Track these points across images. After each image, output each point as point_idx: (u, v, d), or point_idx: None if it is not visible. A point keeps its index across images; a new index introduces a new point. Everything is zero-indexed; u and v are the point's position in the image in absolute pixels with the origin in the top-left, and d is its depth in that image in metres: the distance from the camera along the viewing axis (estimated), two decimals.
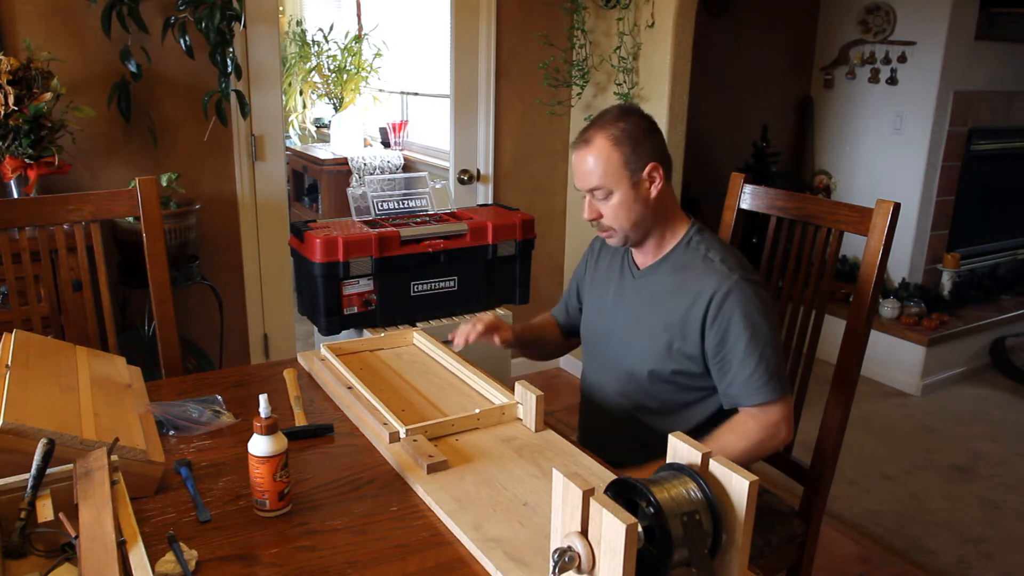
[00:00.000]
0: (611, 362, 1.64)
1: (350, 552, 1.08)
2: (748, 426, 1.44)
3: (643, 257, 1.60)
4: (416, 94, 5.04)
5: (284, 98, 4.80)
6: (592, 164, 1.48)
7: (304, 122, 5.51)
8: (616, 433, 1.65)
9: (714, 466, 0.91)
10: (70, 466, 1.08)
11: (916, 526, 2.61)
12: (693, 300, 1.48)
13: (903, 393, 3.67)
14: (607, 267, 1.69)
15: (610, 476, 1.25)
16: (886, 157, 4.00)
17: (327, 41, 5.16)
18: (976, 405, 3.58)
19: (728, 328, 1.44)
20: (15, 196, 2.17)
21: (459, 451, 1.33)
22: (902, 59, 3.85)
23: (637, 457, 1.46)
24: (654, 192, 1.49)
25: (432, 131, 4.80)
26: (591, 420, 1.74)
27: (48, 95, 2.14)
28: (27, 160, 2.14)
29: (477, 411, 1.41)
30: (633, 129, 1.48)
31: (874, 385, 3.71)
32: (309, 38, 5.18)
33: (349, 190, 2.38)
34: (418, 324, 2.28)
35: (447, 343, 1.72)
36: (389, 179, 2.41)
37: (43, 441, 1.06)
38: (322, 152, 4.94)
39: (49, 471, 1.06)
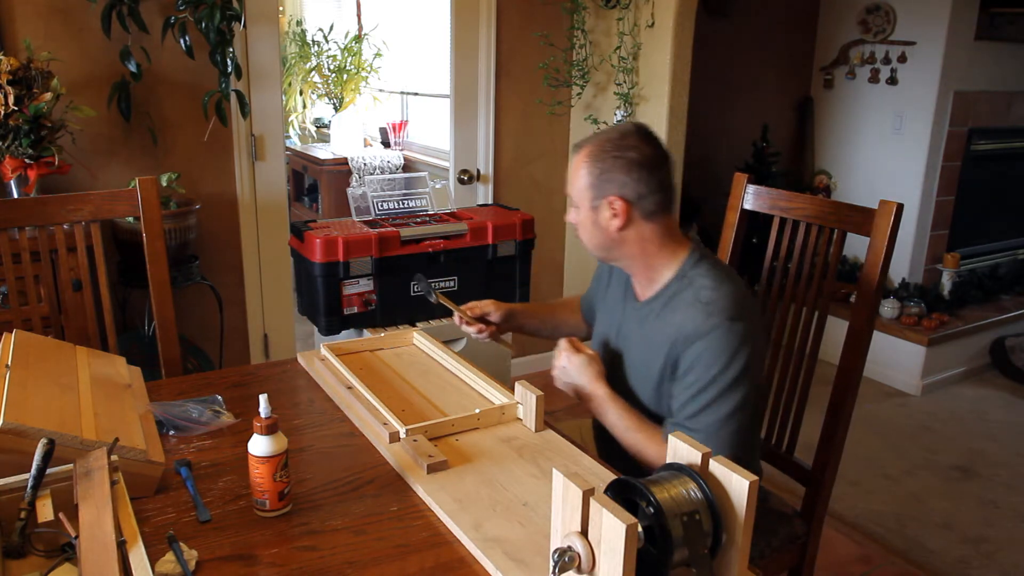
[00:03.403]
0: (618, 388, 1.53)
1: (350, 552, 1.08)
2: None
3: (640, 289, 1.51)
4: (416, 94, 5.04)
5: (284, 98, 4.80)
6: (571, 172, 1.44)
7: (304, 122, 5.51)
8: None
9: (714, 466, 0.91)
10: (70, 466, 1.08)
11: (916, 526, 2.61)
12: (673, 342, 1.39)
13: (903, 393, 3.66)
14: (615, 289, 1.62)
15: (610, 476, 1.25)
16: (886, 157, 4.00)
17: (327, 41, 5.16)
18: (976, 405, 3.58)
19: (694, 365, 1.35)
20: (15, 196, 2.17)
21: (459, 451, 1.33)
22: (902, 59, 3.85)
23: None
24: (614, 225, 1.39)
25: (432, 131, 4.80)
26: (603, 431, 1.70)
27: (48, 95, 2.14)
28: (27, 160, 2.14)
29: (477, 411, 1.41)
30: (618, 154, 1.38)
31: (874, 385, 3.71)
32: (309, 38, 5.18)
33: (349, 190, 2.38)
34: (418, 324, 2.28)
35: (448, 342, 1.72)
36: (389, 179, 2.41)
37: (43, 441, 1.06)
38: (322, 152, 4.94)
39: (49, 471, 1.06)
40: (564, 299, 1.94)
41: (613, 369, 1.55)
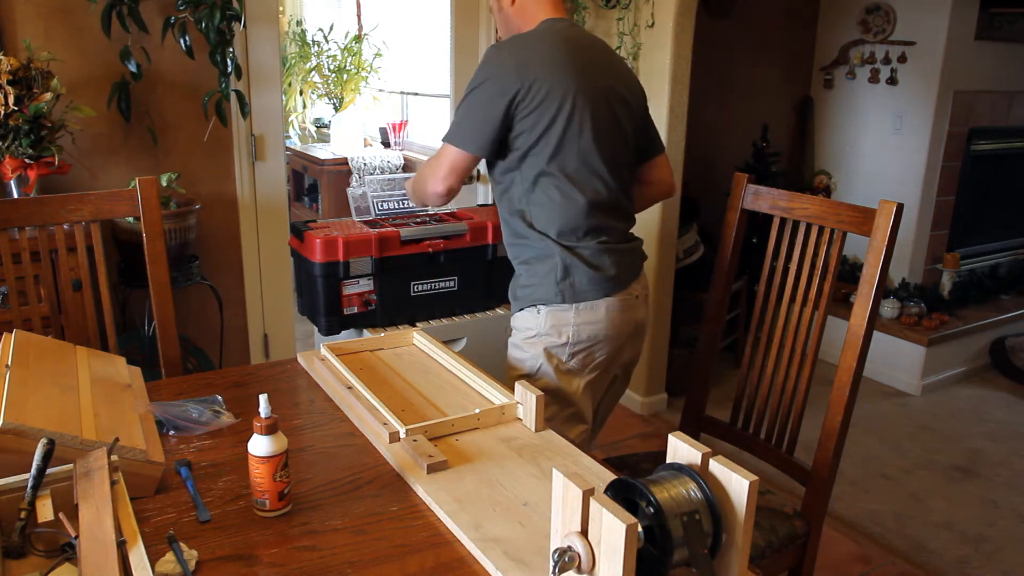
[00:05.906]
0: None
1: (350, 552, 1.08)
2: (427, 163, 1.78)
3: None
4: (416, 94, 5.04)
5: (284, 98, 4.80)
6: None
7: (304, 122, 5.51)
8: None
9: (714, 466, 0.91)
10: (70, 466, 1.08)
11: (916, 526, 2.61)
12: None
13: (903, 393, 3.67)
14: None
15: (610, 476, 1.25)
16: (886, 157, 4.00)
17: (327, 41, 5.16)
18: (976, 405, 3.58)
19: None
20: (15, 196, 2.17)
21: (459, 451, 1.33)
22: (902, 59, 3.85)
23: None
24: (507, 3, 1.77)
25: (432, 131, 4.80)
26: None
27: (48, 95, 2.14)
28: (27, 160, 2.14)
29: (477, 411, 1.41)
30: None
31: (874, 385, 3.71)
32: (309, 38, 5.18)
33: (349, 190, 2.38)
34: (418, 324, 2.28)
35: (448, 342, 1.72)
36: (389, 179, 2.42)
37: (43, 441, 1.06)
38: (322, 152, 4.93)
39: (49, 471, 1.06)
40: None
41: None
